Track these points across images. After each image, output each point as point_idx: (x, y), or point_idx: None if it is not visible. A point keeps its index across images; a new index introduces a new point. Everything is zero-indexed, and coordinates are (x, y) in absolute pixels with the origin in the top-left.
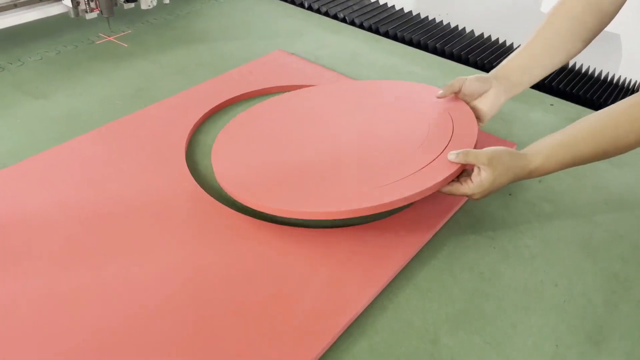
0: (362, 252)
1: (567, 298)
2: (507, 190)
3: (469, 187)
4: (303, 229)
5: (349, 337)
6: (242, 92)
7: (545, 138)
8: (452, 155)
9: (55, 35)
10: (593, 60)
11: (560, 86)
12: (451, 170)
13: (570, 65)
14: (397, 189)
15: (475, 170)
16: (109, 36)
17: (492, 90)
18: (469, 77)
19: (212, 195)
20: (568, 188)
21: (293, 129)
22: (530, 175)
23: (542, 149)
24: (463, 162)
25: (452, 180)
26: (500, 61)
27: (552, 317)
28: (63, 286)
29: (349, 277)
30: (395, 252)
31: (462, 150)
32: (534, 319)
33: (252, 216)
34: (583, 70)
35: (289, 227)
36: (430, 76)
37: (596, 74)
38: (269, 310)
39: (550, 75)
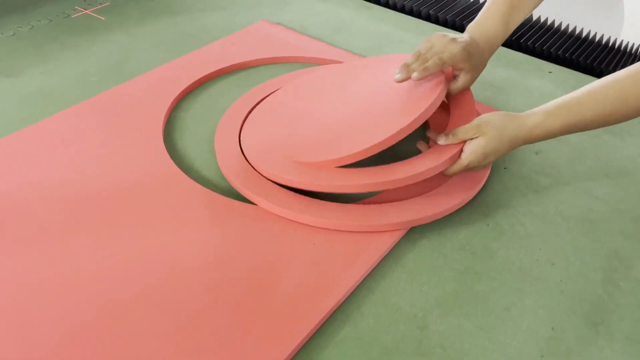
0: (347, 232)
1: (564, 278)
2: (502, 163)
3: (460, 159)
4: (285, 210)
5: (334, 323)
6: (223, 66)
7: (546, 103)
8: (441, 140)
9: (29, 9)
10: (594, 24)
11: (558, 52)
12: (448, 154)
13: (569, 30)
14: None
15: (467, 141)
16: (85, 9)
17: (480, 58)
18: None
19: (190, 176)
20: (566, 160)
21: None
22: (530, 135)
23: (542, 109)
24: (455, 142)
25: None
26: None
27: (548, 299)
28: (34, 273)
29: (333, 259)
30: (383, 231)
31: (449, 132)
32: (529, 301)
33: (231, 197)
34: (583, 35)
35: (269, 209)
36: None
37: (597, 39)
38: (249, 295)
39: (547, 41)
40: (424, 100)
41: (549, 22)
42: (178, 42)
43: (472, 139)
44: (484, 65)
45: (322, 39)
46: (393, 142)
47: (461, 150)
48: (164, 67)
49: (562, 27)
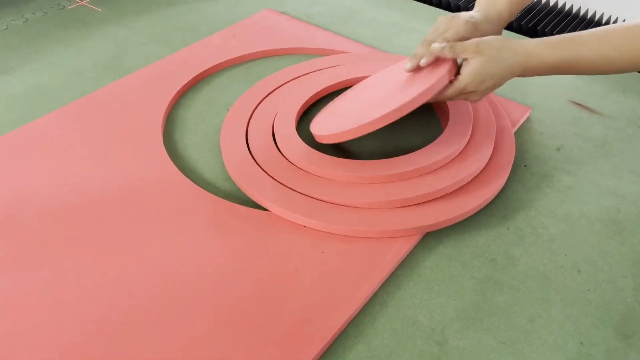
0: (359, 240)
1: (592, 286)
2: (521, 161)
3: (459, 80)
4: (294, 214)
5: (346, 340)
6: (225, 59)
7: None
8: (436, 46)
9: (23, 1)
10: (614, 9)
11: None
12: (444, 66)
13: (588, 15)
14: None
15: (464, 62)
16: (81, 0)
17: (491, 30)
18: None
19: (191, 179)
20: (589, 156)
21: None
22: (526, 62)
23: (543, 39)
24: (450, 55)
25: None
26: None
27: (575, 309)
28: (26, 287)
29: (345, 270)
30: (396, 239)
31: (447, 43)
32: (555, 312)
33: (235, 201)
34: (603, 21)
35: (275, 215)
36: None
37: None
38: (254, 312)
39: (565, 28)
40: (422, 84)
41: (566, 8)
42: (177, 35)
43: (468, 59)
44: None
45: (328, 28)
46: (388, 121)
47: (457, 72)
48: (163, 61)
49: (581, 13)
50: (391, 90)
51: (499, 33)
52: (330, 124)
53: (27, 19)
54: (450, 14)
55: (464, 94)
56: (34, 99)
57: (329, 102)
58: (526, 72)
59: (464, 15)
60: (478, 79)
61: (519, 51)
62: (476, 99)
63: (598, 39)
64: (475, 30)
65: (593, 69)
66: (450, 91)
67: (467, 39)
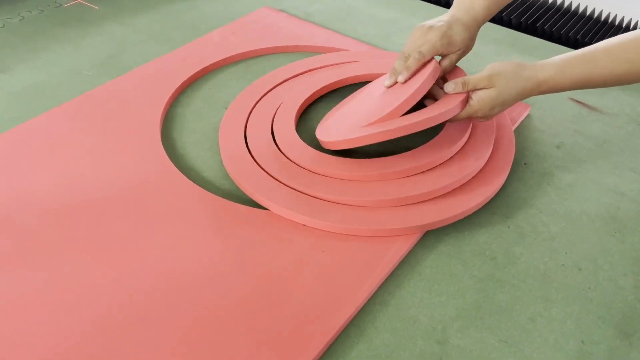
0: (359, 238)
1: (593, 284)
2: (521, 159)
3: (470, 106)
4: (294, 213)
5: (346, 339)
6: (223, 57)
7: (561, 55)
8: (450, 86)
9: None
10: (614, 6)
11: (577, 37)
12: (457, 100)
13: (587, 12)
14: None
15: (476, 90)
16: None
17: (467, 37)
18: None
19: (190, 178)
20: (589, 154)
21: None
22: (539, 87)
23: (554, 60)
24: (462, 91)
25: None
26: (511, 9)
27: (576, 308)
28: (23, 290)
29: (345, 269)
30: (397, 237)
31: (459, 79)
32: (556, 311)
33: (233, 199)
34: (602, 17)
35: (275, 214)
36: None
37: (617, 22)
38: (254, 312)
39: (565, 24)
40: (434, 109)
41: (566, 4)
42: (175, 33)
43: (482, 88)
44: (473, 40)
45: (327, 26)
46: (394, 136)
47: (469, 96)
48: (161, 59)
49: (581, 10)
50: (377, 101)
51: (473, 36)
52: (336, 130)
53: (23, 17)
54: (424, 23)
55: (472, 117)
56: (31, 97)
57: (329, 101)
58: (537, 94)
59: (439, 27)
60: (488, 107)
61: (531, 79)
62: (484, 120)
63: (608, 54)
64: (450, 44)
65: (603, 85)
66: (463, 114)
67: (443, 52)
